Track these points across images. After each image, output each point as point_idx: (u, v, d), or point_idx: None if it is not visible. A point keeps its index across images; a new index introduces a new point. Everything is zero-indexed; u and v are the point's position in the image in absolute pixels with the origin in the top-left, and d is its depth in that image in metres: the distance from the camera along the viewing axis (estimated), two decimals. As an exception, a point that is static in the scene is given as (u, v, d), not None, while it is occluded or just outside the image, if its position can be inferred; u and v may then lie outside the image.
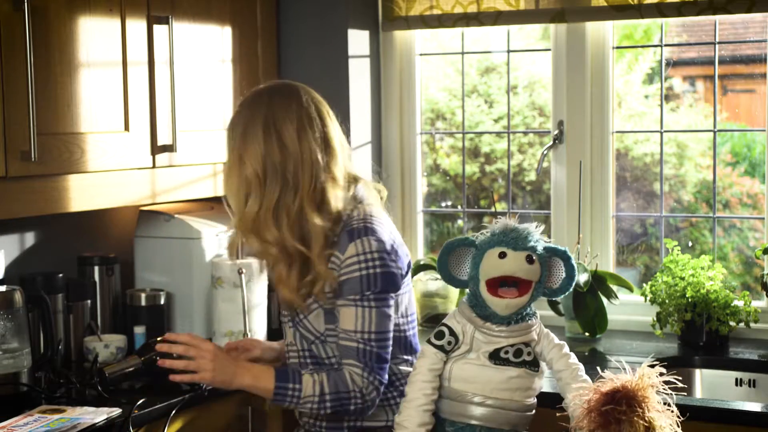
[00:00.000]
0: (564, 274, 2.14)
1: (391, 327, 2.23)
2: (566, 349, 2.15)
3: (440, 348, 2.12)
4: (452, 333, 2.12)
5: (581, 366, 2.15)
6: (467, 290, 2.18)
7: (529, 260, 2.08)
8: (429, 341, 2.14)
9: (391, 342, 2.23)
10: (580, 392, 2.04)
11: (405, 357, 2.31)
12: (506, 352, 2.09)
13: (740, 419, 2.47)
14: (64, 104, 2.66)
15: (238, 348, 2.45)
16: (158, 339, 2.37)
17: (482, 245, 2.12)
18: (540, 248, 2.12)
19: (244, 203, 2.23)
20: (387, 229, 2.26)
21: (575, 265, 2.14)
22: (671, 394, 1.98)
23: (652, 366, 2.00)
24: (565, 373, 2.13)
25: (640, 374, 1.98)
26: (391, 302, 2.22)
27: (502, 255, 2.08)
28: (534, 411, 2.16)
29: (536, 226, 2.15)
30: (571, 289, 2.16)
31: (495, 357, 2.09)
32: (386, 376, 2.22)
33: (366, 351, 2.18)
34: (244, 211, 2.23)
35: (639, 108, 3.97)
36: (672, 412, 1.98)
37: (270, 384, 2.21)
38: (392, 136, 3.67)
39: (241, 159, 2.22)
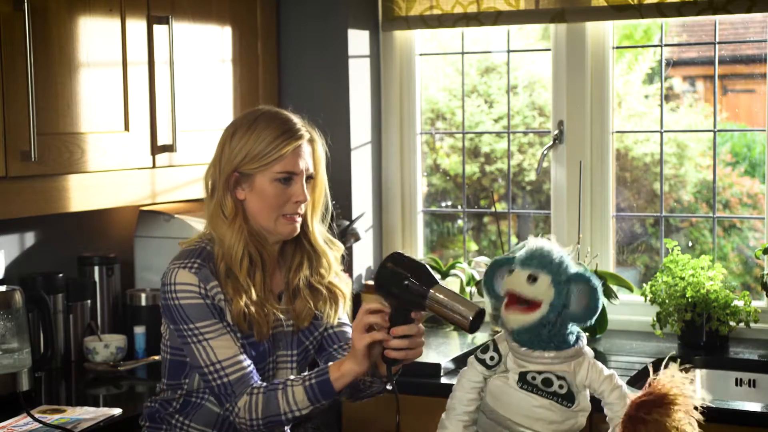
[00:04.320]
0: (586, 302, 2.02)
1: None
2: (617, 380, 2.06)
3: (482, 362, 2.08)
4: (496, 349, 2.08)
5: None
6: None
7: (531, 279, 2.01)
8: (475, 354, 2.11)
9: None
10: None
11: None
12: (533, 378, 2.02)
13: (740, 419, 2.47)
14: (64, 104, 2.66)
15: None
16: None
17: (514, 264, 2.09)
18: (564, 271, 2.02)
19: None
20: None
21: (598, 294, 2.01)
22: (703, 399, 1.95)
23: (681, 368, 1.96)
24: (617, 406, 2.03)
25: (667, 375, 1.95)
26: None
27: (510, 272, 2.05)
28: None
29: (569, 252, 2.06)
30: (592, 319, 2.02)
31: (522, 380, 2.02)
32: None
33: None
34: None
35: (639, 108, 3.97)
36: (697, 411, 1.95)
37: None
38: (392, 136, 3.67)
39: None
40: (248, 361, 2.15)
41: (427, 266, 2.04)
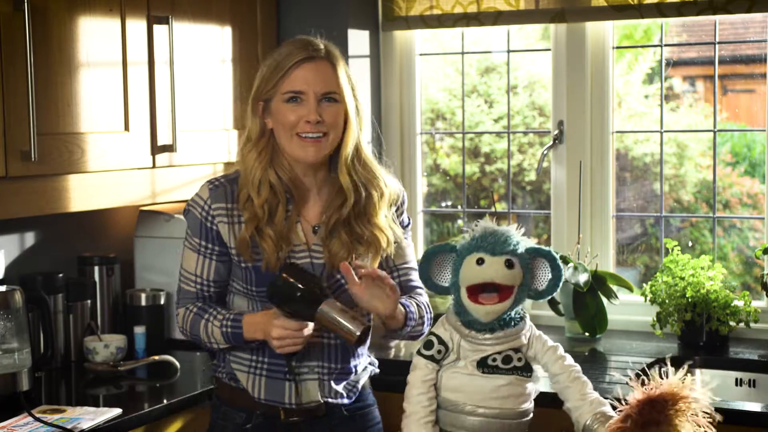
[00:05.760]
0: (549, 275, 2.08)
1: None
2: (561, 350, 2.11)
3: (430, 358, 2.08)
4: (441, 341, 2.09)
5: (578, 367, 2.12)
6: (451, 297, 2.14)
7: (509, 265, 2.02)
8: (419, 352, 2.11)
9: None
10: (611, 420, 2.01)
11: None
12: (494, 360, 2.05)
13: (740, 419, 2.47)
14: (64, 104, 2.66)
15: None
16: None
17: (461, 251, 2.07)
18: (521, 250, 2.06)
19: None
20: None
21: (560, 265, 2.07)
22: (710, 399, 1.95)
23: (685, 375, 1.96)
24: (562, 376, 2.08)
25: (677, 380, 1.94)
26: None
27: (480, 261, 2.03)
28: (531, 416, 2.12)
29: (517, 227, 2.09)
30: (557, 290, 2.09)
31: (483, 365, 2.05)
32: None
33: None
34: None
35: (639, 108, 3.97)
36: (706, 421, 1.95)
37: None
38: (392, 136, 3.67)
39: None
40: (200, 287, 2.25)
41: (319, 279, 2.14)
